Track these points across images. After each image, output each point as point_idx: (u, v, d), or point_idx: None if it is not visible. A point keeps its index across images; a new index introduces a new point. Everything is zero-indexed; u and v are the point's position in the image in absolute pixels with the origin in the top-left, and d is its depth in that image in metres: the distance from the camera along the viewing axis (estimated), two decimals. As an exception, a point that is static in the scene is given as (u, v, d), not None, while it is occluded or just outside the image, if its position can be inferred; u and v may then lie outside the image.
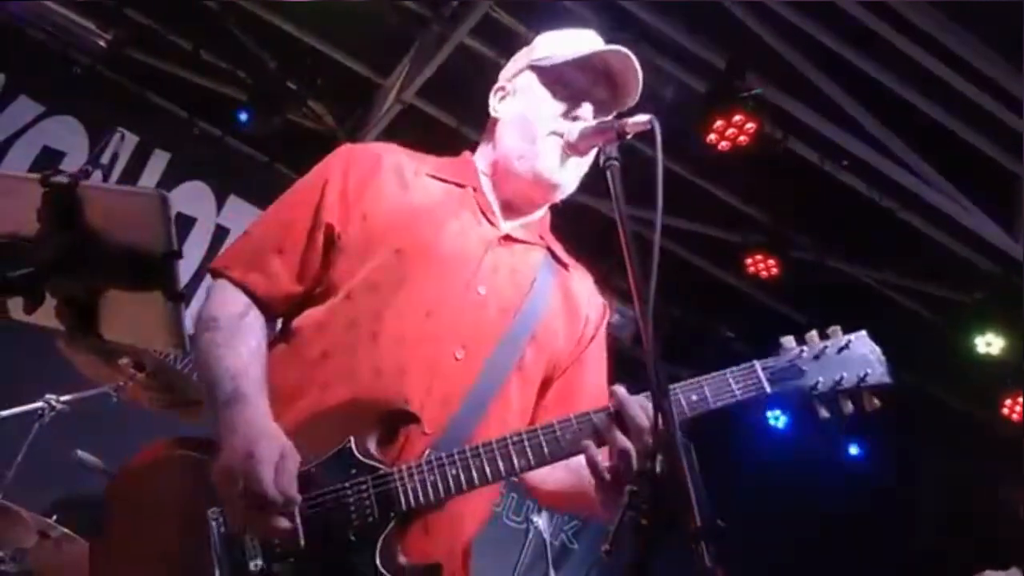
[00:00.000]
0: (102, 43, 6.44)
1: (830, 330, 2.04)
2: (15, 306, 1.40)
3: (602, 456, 1.91)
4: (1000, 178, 6.22)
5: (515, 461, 1.94)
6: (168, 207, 1.32)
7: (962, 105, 5.81)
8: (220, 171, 6.95)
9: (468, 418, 2.05)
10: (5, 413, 4.59)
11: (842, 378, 1.94)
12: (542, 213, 2.35)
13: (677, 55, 5.92)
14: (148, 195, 1.33)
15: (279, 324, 2.22)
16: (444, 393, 2.03)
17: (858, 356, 1.98)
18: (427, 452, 1.96)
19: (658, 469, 1.38)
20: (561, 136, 2.16)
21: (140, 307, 1.38)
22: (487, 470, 1.93)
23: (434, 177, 2.26)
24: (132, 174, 6.57)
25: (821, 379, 1.95)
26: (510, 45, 5.73)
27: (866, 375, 1.95)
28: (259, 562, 1.85)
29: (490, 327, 2.12)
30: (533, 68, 2.30)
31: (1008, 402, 7.36)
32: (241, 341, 2.01)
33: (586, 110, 2.19)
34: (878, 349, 2.02)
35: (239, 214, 6.72)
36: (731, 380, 1.99)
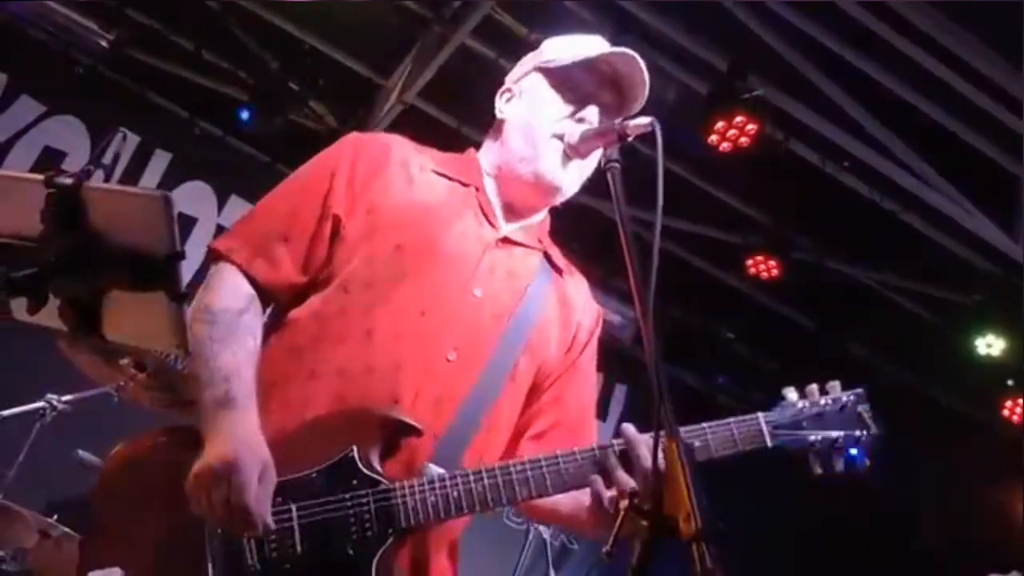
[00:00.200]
0: (104, 43, 6.45)
1: (829, 385, 2.12)
2: (18, 307, 1.40)
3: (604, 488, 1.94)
4: (1001, 180, 6.23)
5: (517, 490, 1.95)
6: (171, 208, 1.32)
7: (963, 107, 5.81)
8: (221, 171, 6.96)
9: (466, 426, 2.05)
10: (6, 413, 4.60)
11: (839, 438, 2.04)
12: (542, 216, 2.34)
13: (678, 56, 5.93)
14: (151, 196, 1.33)
15: (273, 310, 2.19)
16: (435, 394, 2.01)
17: (854, 416, 2.07)
18: (427, 466, 1.96)
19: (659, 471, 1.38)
20: (562, 139, 2.15)
21: (143, 308, 1.38)
22: (488, 497, 1.93)
23: (439, 174, 2.25)
24: (133, 174, 6.58)
25: (820, 436, 2.04)
26: (511, 46, 5.76)
27: (861, 437, 2.04)
28: (256, 566, 1.84)
29: (483, 330, 2.11)
30: (540, 70, 2.29)
31: (1008, 403, 7.37)
32: (238, 340, 1.98)
33: (591, 113, 2.18)
34: (871, 410, 2.10)
35: (240, 214, 6.71)
36: (735, 430, 2.04)
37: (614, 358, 7.69)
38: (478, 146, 2.40)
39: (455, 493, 1.92)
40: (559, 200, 2.28)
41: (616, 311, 7.41)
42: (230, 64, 6.81)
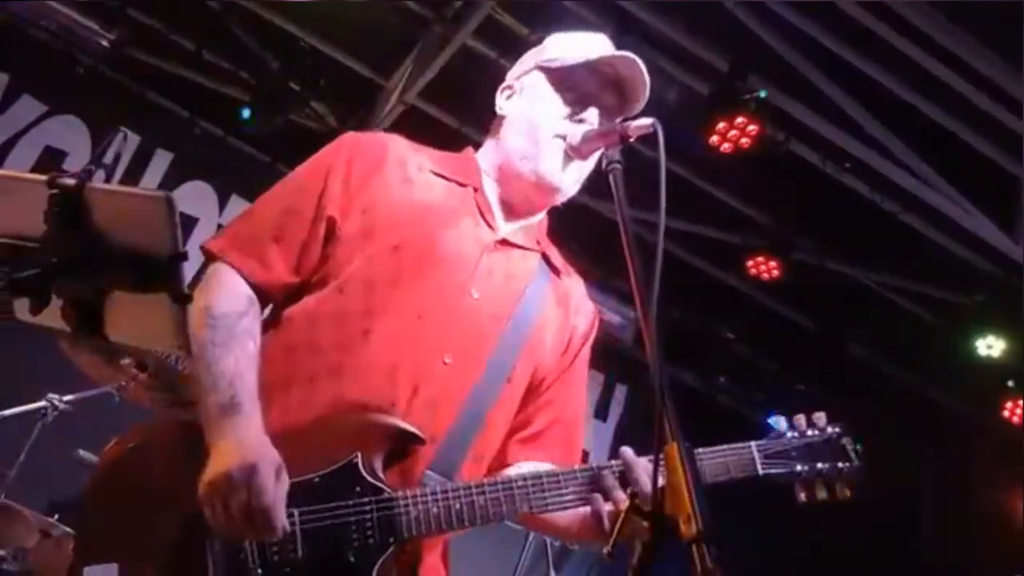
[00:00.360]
0: (105, 43, 6.45)
1: (815, 416, 2.21)
2: (21, 307, 1.40)
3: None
4: (1001, 180, 6.23)
5: (518, 505, 1.97)
6: (174, 209, 1.32)
7: (964, 107, 5.82)
8: (222, 171, 6.97)
9: (465, 430, 2.05)
10: (7, 412, 4.60)
11: (824, 468, 2.15)
12: (541, 217, 2.33)
13: (678, 56, 5.93)
14: (154, 197, 1.33)
15: (270, 308, 2.18)
16: (431, 397, 2.01)
17: (839, 448, 2.18)
18: (427, 473, 1.97)
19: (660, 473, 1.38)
20: (564, 139, 2.15)
21: (145, 309, 1.38)
22: (490, 511, 1.95)
23: (436, 174, 2.24)
24: (134, 174, 6.59)
25: (807, 467, 2.15)
26: (512, 46, 5.76)
27: (843, 468, 2.16)
28: (258, 570, 1.83)
29: (481, 333, 2.11)
30: (542, 69, 2.28)
31: (1009, 404, 7.37)
32: (238, 344, 1.96)
33: (592, 114, 2.18)
34: (854, 444, 2.22)
35: (241, 214, 6.73)
36: (728, 458, 2.11)
37: (615, 358, 7.70)
38: (478, 146, 2.39)
39: (457, 506, 1.93)
40: (558, 201, 2.27)
41: (616, 311, 7.42)
42: (231, 64, 6.81)
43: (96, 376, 4.62)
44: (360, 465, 1.91)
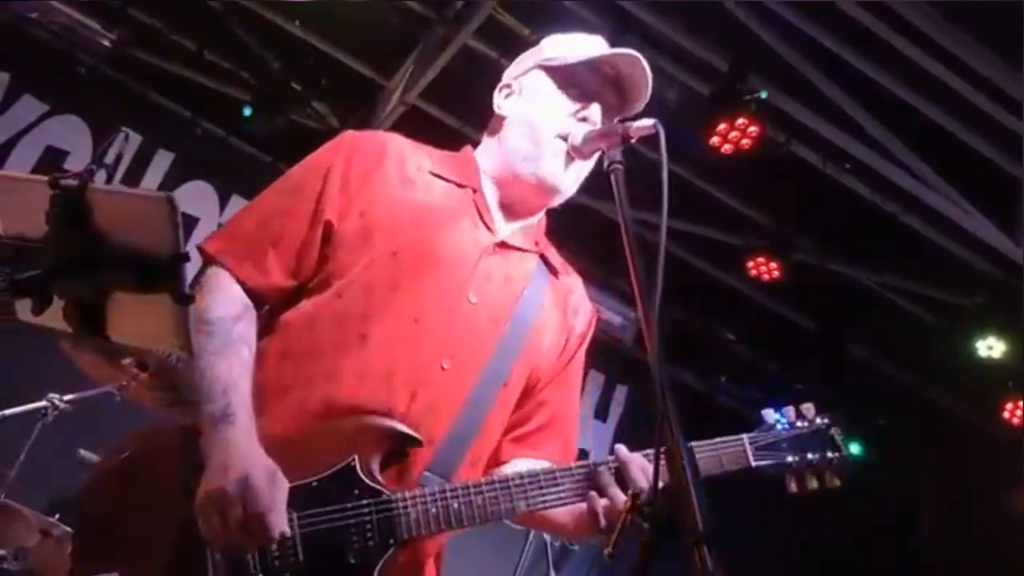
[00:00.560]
0: (106, 43, 6.45)
1: (804, 407, 2.24)
2: (23, 308, 1.40)
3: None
4: (1001, 182, 6.24)
5: (515, 503, 1.98)
6: (176, 210, 1.32)
7: (964, 108, 5.82)
8: (223, 171, 6.97)
9: (463, 434, 2.05)
10: (8, 412, 4.61)
11: (813, 459, 2.18)
12: (539, 217, 2.32)
13: (679, 57, 5.93)
14: (156, 198, 1.34)
15: (268, 312, 2.16)
16: (429, 402, 2.00)
17: (827, 439, 2.21)
18: (425, 475, 1.97)
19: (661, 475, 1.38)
20: (566, 139, 2.14)
21: (147, 309, 1.38)
22: (488, 510, 1.96)
23: (435, 175, 2.22)
24: (135, 174, 6.59)
25: (797, 457, 2.17)
26: (514, 47, 5.73)
27: (832, 459, 2.19)
28: (260, 575, 1.83)
29: (479, 337, 2.10)
30: (543, 67, 2.27)
31: (1009, 406, 7.37)
32: (234, 351, 1.96)
33: (594, 110, 2.17)
34: (841, 434, 2.25)
35: (240, 215, 6.73)
36: (720, 452, 2.13)
37: (615, 359, 7.71)
38: (477, 146, 2.37)
39: (456, 505, 1.93)
40: (558, 202, 2.27)
41: (617, 312, 7.42)
42: (232, 64, 6.82)
43: (97, 376, 4.62)
44: (358, 468, 1.91)
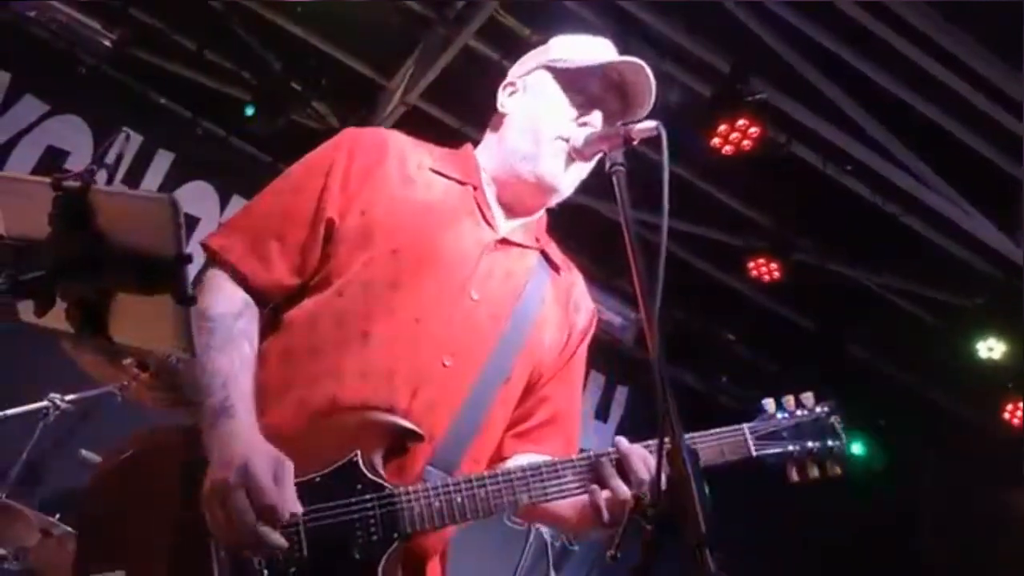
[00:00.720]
0: (107, 43, 6.45)
1: (803, 397, 2.23)
2: (26, 309, 1.41)
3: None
4: (1002, 182, 6.24)
5: (518, 496, 1.98)
6: (179, 212, 1.33)
7: (963, 109, 5.82)
8: (224, 171, 6.97)
9: (465, 430, 2.05)
10: (9, 412, 4.61)
11: (814, 447, 2.18)
12: (540, 214, 2.33)
13: (680, 58, 5.94)
14: (159, 200, 1.34)
15: (271, 311, 2.17)
16: (430, 399, 2.01)
17: (828, 427, 2.21)
18: (427, 469, 1.98)
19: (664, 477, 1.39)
20: (567, 141, 2.15)
21: (149, 310, 1.39)
22: (492, 502, 1.96)
23: (436, 172, 2.23)
24: (136, 174, 6.59)
25: (797, 447, 2.17)
26: (515, 48, 5.75)
27: (833, 447, 2.18)
28: (264, 571, 1.84)
29: (480, 334, 2.11)
30: (548, 68, 2.28)
31: (1009, 407, 7.37)
32: (235, 347, 1.96)
33: (596, 117, 2.18)
34: (841, 422, 2.25)
35: (241, 214, 6.73)
36: (721, 442, 2.13)
37: (615, 359, 7.71)
38: (478, 144, 2.38)
39: (459, 499, 1.94)
40: (555, 202, 2.28)
41: (618, 312, 7.42)
42: (233, 64, 6.82)
43: (98, 376, 4.63)
44: (360, 463, 1.92)
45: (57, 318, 1.42)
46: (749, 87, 5.64)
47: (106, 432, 4.83)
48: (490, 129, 2.35)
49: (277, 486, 1.78)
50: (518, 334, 2.16)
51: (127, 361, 4.38)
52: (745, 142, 5.71)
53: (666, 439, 1.44)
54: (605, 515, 1.96)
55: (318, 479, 1.90)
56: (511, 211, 2.27)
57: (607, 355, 7.54)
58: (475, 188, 2.24)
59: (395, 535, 1.89)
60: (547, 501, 2.01)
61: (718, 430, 2.13)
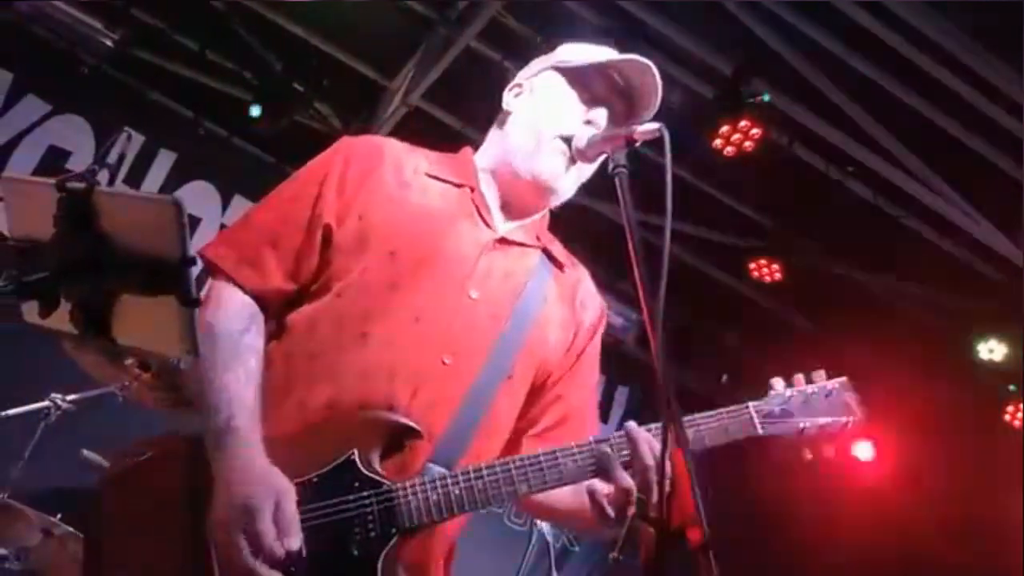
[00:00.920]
0: (109, 43, 6.45)
1: (815, 374, 2.17)
2: (30, 310, 1.41)
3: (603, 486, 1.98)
4: (1002, 184, 6.23)
5: (517, 486, 1.97)
6: (183, 214, 1.33)
7: (964, 111, 5.82)
8: (225, 171, 6.97)
9: (464, 429, 2.06)
10: (11, 412, 4.61)
11: (827, 423, 2.07)
12: (540, 214, 2.33)
13: (683, 60, 5.93)
14: (163, 201, 1.34)
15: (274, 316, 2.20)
16: (430, 398, 2.02)
17: (841, 403, 2.11)
18: (427, 465, 1.98)
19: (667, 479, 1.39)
20: (569, 141, 2.15)
21: (154, 312, 1.39)
22: (490, 493, 1.96)
23: (432, 176, 2.24)
24: (137, 174, 6.59)
25: (808, 423, 2.07)
26: (517, 49, 5.77)
27: (848, 422, 2.08)
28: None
29: (480, 333, 2.11)
30: (555, 69, 2.30)
31: (1010, 408, 7.37)
32: (240, 362, 1.98)
33: (600, 116, 2.19)
34: (857, 396, 2.15)
35: (244, 215, 6.73)
36: (727, 420, 2.08)
37: (616, 360, 7.70)
38: (479, 147, 2.38)
39: (456, 491, 1.94)
40: (554, 203, 2.28)
41: (619, 313, 7.41)
42: (235, 64, 6.81)
43: (99, 376, 4.63)
44: (357, 461, 1.93)
45: (61, 319, 1.42)
46: (751, 88, 5.64)
47: (107, 432, 4.83)
48: (495, 126, 2.36)
49: (277, 524, 1.80)
50: (519, 332, 2.16)
51: (128, 361, 4.39)
52: (747, 143, 5.71)
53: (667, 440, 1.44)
54: (608, 509, 1.95)
55: (316, 478, 1.91)
56: (510, 212, 2.27)
57: (608, 355, 7.49)
58: (472, 189, 2.25)
59: (393, 531, 1.90)
60: (546, 489, 2.00)
61: (721, 410, 2.08)
